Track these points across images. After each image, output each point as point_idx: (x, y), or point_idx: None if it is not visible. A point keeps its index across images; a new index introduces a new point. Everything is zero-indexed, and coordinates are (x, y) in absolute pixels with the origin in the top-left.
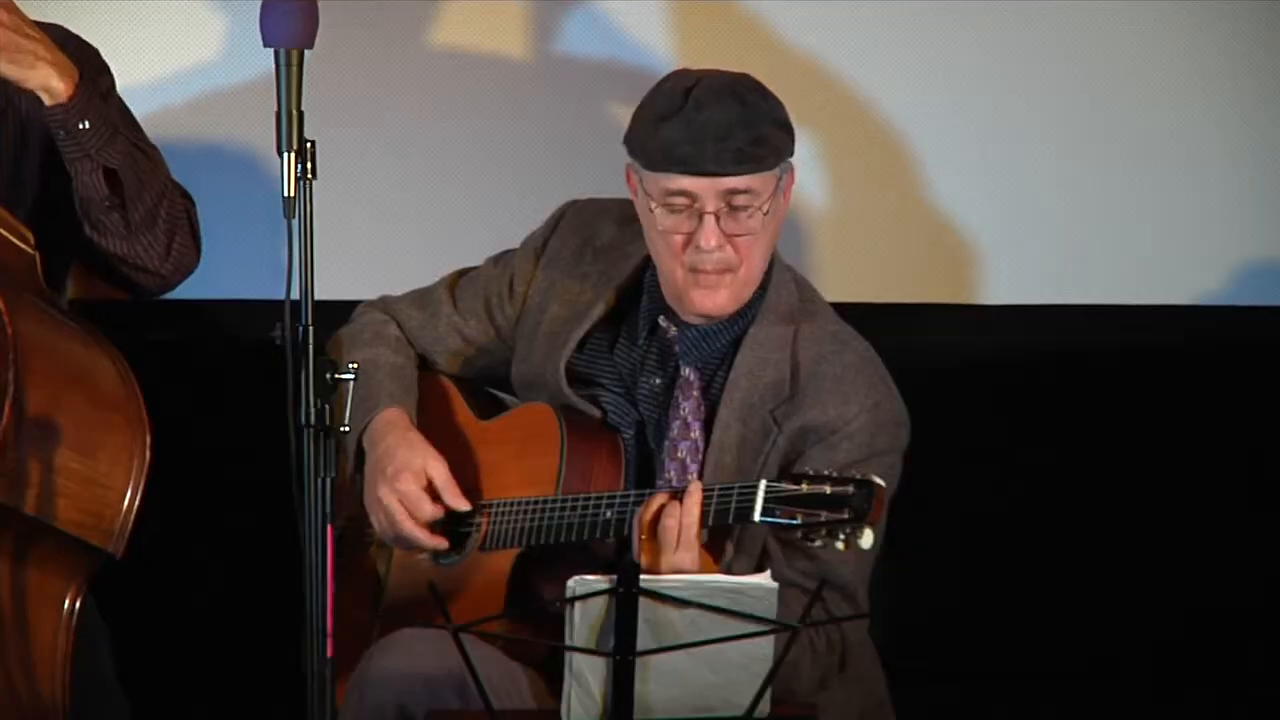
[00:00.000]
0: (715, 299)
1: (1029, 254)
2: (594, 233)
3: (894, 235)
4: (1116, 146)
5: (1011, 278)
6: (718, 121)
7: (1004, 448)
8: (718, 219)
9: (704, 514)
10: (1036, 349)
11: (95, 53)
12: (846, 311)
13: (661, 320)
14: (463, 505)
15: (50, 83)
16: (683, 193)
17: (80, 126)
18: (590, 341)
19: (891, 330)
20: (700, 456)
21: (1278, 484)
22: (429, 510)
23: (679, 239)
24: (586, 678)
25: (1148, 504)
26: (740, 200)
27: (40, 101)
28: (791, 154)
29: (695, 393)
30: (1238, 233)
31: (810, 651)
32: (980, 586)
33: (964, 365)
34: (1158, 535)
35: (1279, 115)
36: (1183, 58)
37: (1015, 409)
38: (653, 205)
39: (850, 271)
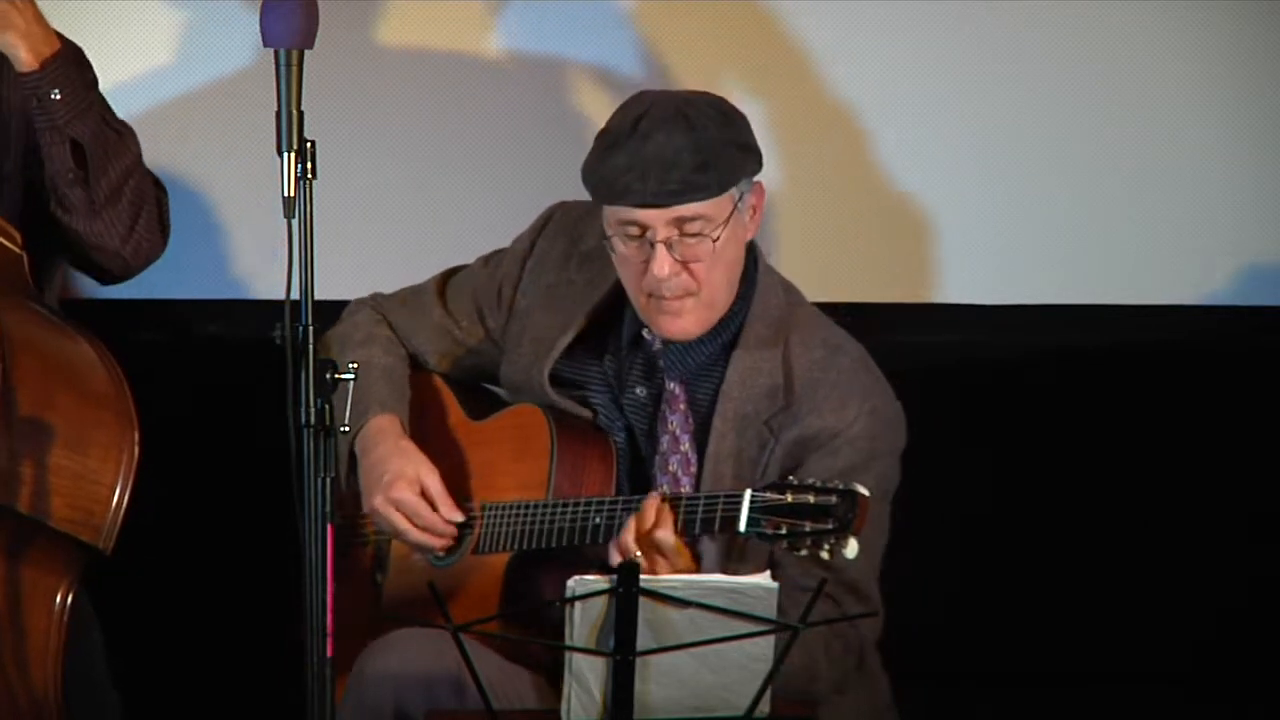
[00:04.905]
0: (679, 324)
1: (1028, 254)
2: (580, 235)
3: (888, 234)
4: (1115, 145)
5: (1011, 278)
6: (663, 152)
7: (1004, 448)
8: (670, 247)
9: (689, 523)
10: (1035, 349)
11: (78, 51)
12: (839, 313)
13: (645, 333)
14: (456, 516)
15: (16, 52)
16: (633, 222)
17: (52, 96)
18: (577, 349)
19: (890, 330)
20: (691, 469)
21: (1276, 484)
22: (428, 518)
23: (637, 266)
24: (586, 678)
25: (1147, 504)
26: (692, 227)
27: (18, 94)
28: (753, 173)
29: (682, 406)
30: (1238, 233)
31: (826, 654)
32: (979, 587)
33: (962, 365)
34: (1156, 535)
35: (1279, 115)
36: (1182, 57)
37: (1014, 409)
38: (609, 233)
39: (845, 273)
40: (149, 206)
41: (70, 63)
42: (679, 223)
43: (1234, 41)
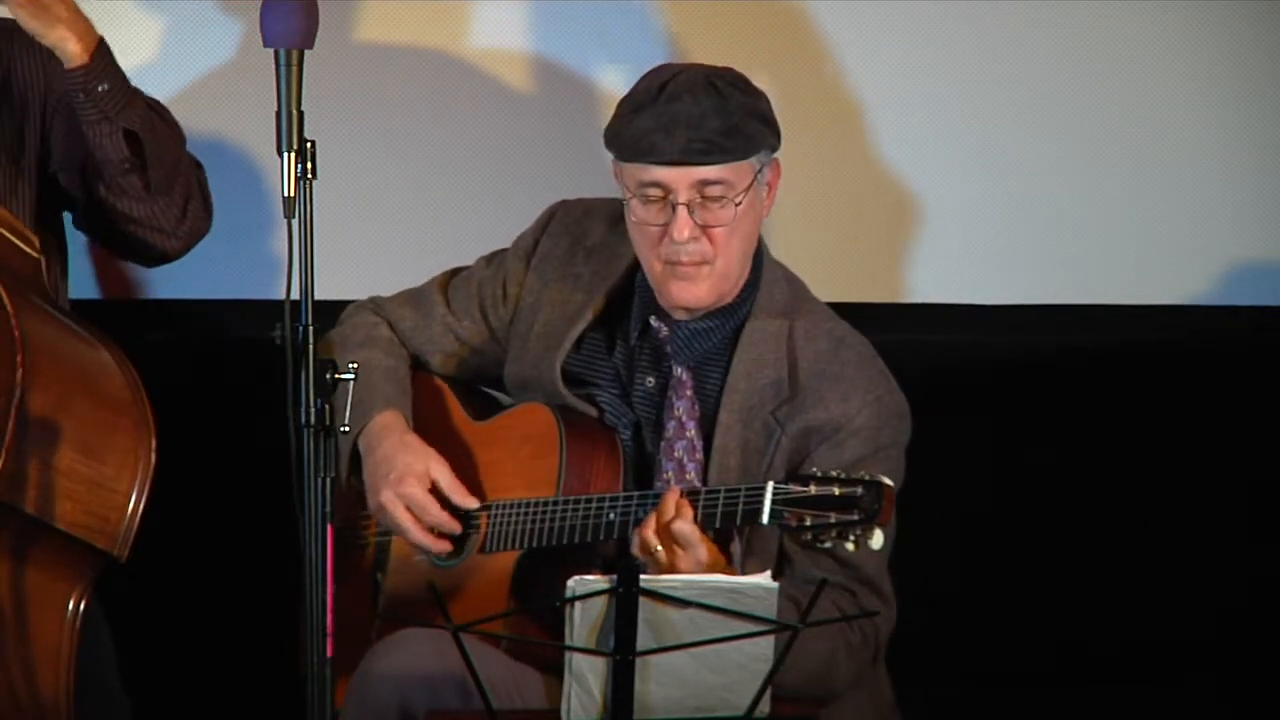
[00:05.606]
0: (693, 291)
1: (1028, 254)
2: (584, 232)
3: (889, 234)
4: (1115, 146)
5: (1010, 278)
6: (690, 112)
7: (1003, 448)
8: (690, 210)
9: (709, 516)
10: (1034, 349)
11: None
12: (842, 311)
13: (653, 320)
14: (471, 503)
15: (66, 45)
16: (655, 183)
17: (99, 89)
18: (585, 343)
19: (889, 330)
20: (698, 456)
21: (1276, 484)
22: (435, 514)
23: (654, 231)
24: (586, 678)
25: (1146, 504)
26: (714, 191)
27: (36, 85)
28: (773, 148)
29: (689, 392)
30: (1238, 233)
31: (846, 648)
32: (979, 587)
33: (963, 365)
34: (1156, 535)
35: (1279, 115)
36: (1182, 57)
37: (1013, 409)
38: (629, 196)
39: (845, 273)
40: (195, 185)
41: (109, 51)
42: (701, 185)
43: (1234, 41)
